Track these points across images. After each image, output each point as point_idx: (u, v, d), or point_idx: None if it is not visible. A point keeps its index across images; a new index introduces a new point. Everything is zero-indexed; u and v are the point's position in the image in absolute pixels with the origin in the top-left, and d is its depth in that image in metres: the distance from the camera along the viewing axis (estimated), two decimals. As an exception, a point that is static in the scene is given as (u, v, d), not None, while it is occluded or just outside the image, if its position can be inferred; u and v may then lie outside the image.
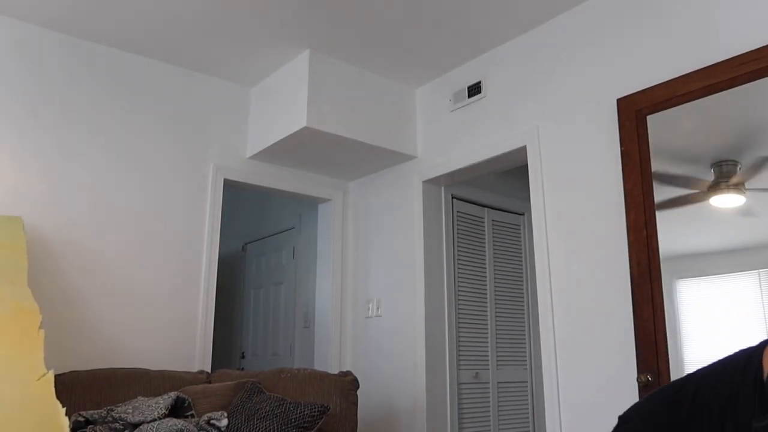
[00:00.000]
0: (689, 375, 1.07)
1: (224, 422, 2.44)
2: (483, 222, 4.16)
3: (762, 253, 2.21)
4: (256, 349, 5.05)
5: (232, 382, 2.75)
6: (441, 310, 3.65)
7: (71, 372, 2.72)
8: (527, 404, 4.15)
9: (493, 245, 4.18)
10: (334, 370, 3.87)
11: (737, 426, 0.96)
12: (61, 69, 3.21)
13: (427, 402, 3.43)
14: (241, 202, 5.58)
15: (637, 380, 2.35)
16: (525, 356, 4.19)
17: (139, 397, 2.58)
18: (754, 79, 2.26)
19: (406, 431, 3.50)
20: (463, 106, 3.52)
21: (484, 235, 4.14)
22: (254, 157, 3.77)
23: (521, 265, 4.36)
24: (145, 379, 2.79)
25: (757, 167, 2.25)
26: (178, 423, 2.33)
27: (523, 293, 4.31)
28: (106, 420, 2.40)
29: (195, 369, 3.32)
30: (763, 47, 2.25)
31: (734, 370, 1.03)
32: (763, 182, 2.23)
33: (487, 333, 3.97)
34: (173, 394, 2.55)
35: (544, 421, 2.84)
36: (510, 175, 4.32)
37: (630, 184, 2.55)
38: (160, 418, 2.39)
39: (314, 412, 2.43)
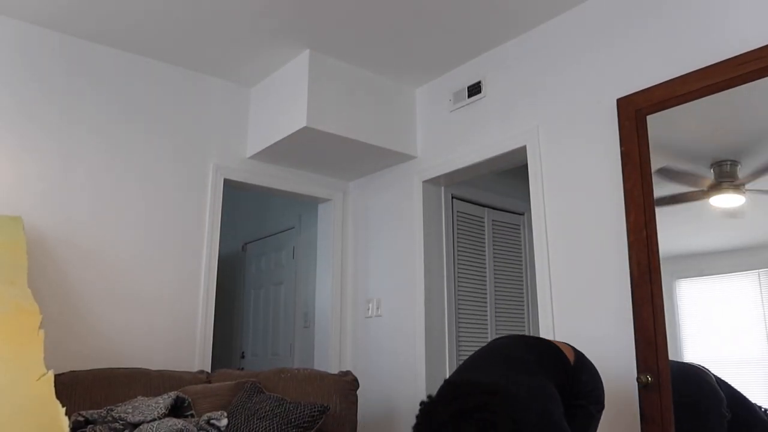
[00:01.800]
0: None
1: (224, 422, 2.44)
2: (483, 222, 4.16)
3: (761, 253, 2.21)
4: (255, 349, 5.06)
5: (232, 382, 2.76)
6: (441, 310, 3.65)
7: (71, 372, 2.72)
8: (527, 404, 4.14)
9: (493, 245, 4.18)
10: (334, 370, 3.87)
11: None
12: (61, 69, 3.21)
13: (427, 402, 3.43)
14: (241, 202, 5.58)
15: (637, 380, 2.35)
16: (525, 356, 4.19)
17: (138, 397, 2.58)
18: (754, 79, 2.26)
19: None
20: (463, 106, 3.52)
21: (484, 235, 4.14)
22: (254, 157, 3.77)
23: (521, 264, 4.36)
24: (145, 378, 2.80)
25: (756, 167, 2.25)
26: (178, 423, 2.33)
27: (523, 293, 4.31)
28: (106, 420, 2.40)
29: (195, 369, 3.32)
30: (763, 47, 2.25)
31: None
32: (763, 182, 2.23)
33: (487, 332, 3.97)
34: (173, 394, 2.55)
35: (544, 421, 2.84)
36: (510, 175, 4.32)
37: (630, 184, 2.55)
38: (160, 418, 2.39)
39: (314, 412, 2.43)
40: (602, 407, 1.85)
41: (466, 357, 3.77)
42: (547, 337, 2.85)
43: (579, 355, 1.91)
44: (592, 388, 1.83)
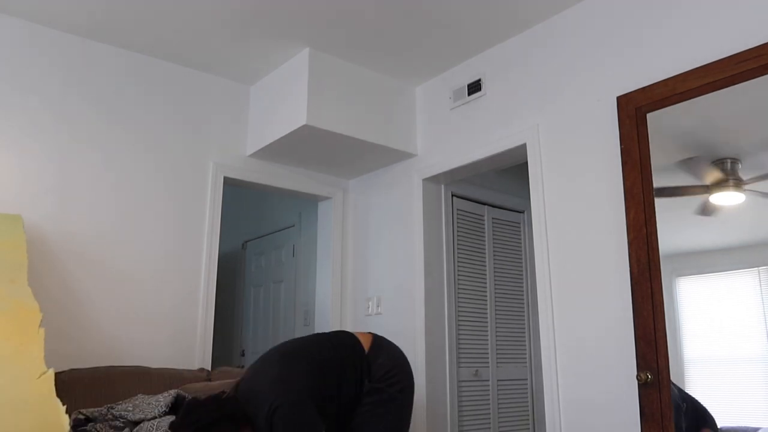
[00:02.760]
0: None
1: (224, 420, 2.44)
2: (483, 220, 4.16)
3: (762, 251, 2.21)
4: (256, 346, 5.06)
5: (233, 379, 2.76)
6: (441, 308, 3.65)
7: (71, 370, 2.72)
8: (527, 402, 4.15)
9: (493, 243, 4.18)
10: (334, 368, 3.87)
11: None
12: (59, 67, 3.20)
13: (427, 399, 3.43)
14: (241, 200, 5.58)
15: (637, 378, 2.35)
16: (525, 354, 4.19)
17: (139, 395, 2.58)
18: (754, 77, 2.26)
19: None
20: (463, 104, 3.52)
21: (484, 233, 4.14)
22: (254, 155, 3.77)
23: (521, 262, 4.36)
24: (146, 376, 2.80)
25: (757, 165, 2.25)
26: (179, 421, 2.33)
27: (522, 291, 4.31)
28: (106, 418, 2.40)
29: (195, 367, 3.32)
30: (763, 45, 2.25)
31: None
32: (763, 180, 2.23)
33: (487, 330, 3.97)
34: (173, 392, 2.55)
35: (544, 419, 2.84)
36: (510, 172, 4.32)
37: (630, 182, 2.55)
38: (160, 416, 2.39)
39: (314, 409, 2.44)
40: (402, 388, 2.03)
41: (466, 354, 3.79)
42: (540, 337, 2.85)
43: (377, 344, 2.11)
44: (387, 371, 2.02)
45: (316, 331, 4.15)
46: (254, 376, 1.93)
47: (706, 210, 2.38)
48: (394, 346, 2.15)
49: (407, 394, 2.03)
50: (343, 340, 2.09)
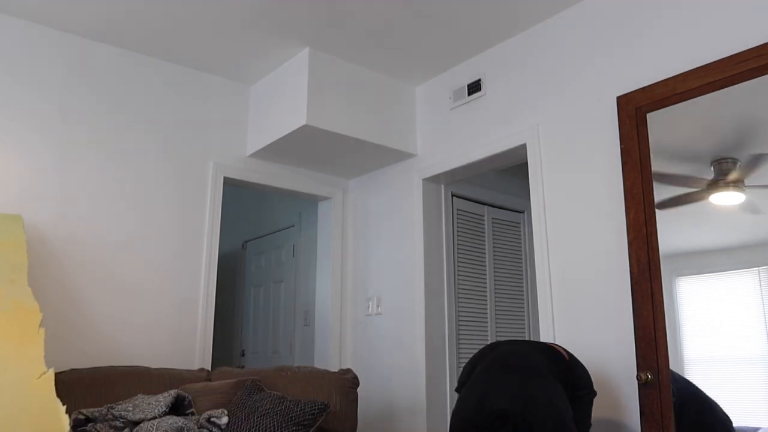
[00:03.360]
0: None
1: (224, 420, 2.45)
2: (483, 220, 4.16)
3: (762, 251, 2.21)
4: (256, 346, 5.06)
5: (233, 380, 2.76)
6: (441, 308, 3.65)
7: (71, 370, 2.72)
8: (527, 402, 4.14)
9: (493, 243, 4.18)
10: (334, 368, 3.87)
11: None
12: (60, 66, 3.20)
13: (427, 399, 3.43)
14: (241, 200, 5.58)
15: (637, 378, 2.35)
16: (525, 354, 4.19)
17: (139, 395, 2.58)
18: (754, 77, 2.26)
19: (406, 429, 3.50)
20: (463, 104, 3.52)
21: (484, 232, 4.14)
22: (254, 155, 3.77)
23: (521, 262, 4.36)
24: (146, 376, 2.80)
25: (756, 165, 2.25)
26: (179, 420, 2.33)
27: (523, 290, 4.31)
28: (106, 418, 2.40)
29: (195, 367, 3.32)
30: (763, 45, 2.25)
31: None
32: (763, 180, 2.23)
33: (487, 330, 3.97)
34: (173, 392, 2.55)
35: (544, 419, 2.84)
36: (510, 172, 4.32)
37: (630, 182, 2.55)
38: (160, 416, 2.39)
39: (314, 409, 2.44)
40: (595, 393, 2.18)
41: (466, 353, 3.78)
42: (540, 337, 2.85)
43: (568, 352, 2.24)
44: (585, 379, 2.16)
45: (315, 331, 4.15)
46: (532, 394, 1.97)
47: (706, 210, 2.38)
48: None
49: (592, 396, 2.20)
50: (559, 356, 2.18)
